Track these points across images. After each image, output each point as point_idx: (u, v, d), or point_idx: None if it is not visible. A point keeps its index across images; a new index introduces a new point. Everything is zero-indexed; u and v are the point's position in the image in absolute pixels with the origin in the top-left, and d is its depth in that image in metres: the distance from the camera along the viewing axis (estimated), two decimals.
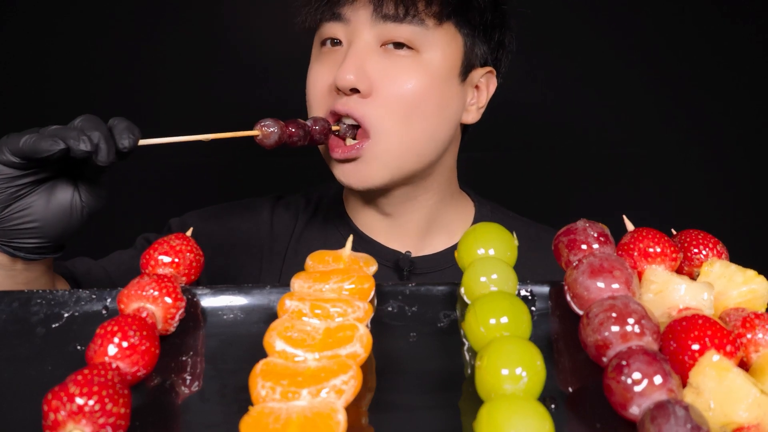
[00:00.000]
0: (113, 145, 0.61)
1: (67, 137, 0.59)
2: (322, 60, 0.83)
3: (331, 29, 0.82)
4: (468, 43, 0.83)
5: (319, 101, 0.82)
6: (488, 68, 0.87)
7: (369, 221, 0.90)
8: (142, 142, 0.64)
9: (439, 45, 0.80)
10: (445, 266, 0.88)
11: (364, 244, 0.89)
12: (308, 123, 0.78)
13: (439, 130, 0.83)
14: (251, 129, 0.74)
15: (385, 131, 0.79)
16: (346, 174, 0.81)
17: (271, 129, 0.75)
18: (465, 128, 0.90)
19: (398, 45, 0.79)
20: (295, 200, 0.96)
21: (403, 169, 0.81)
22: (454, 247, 0.88)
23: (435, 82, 0.80)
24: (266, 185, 1.05)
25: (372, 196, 0.87)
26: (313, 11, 0.82)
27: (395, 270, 0.88)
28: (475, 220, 0.93)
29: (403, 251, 0.88)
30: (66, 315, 0.53)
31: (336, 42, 0.82)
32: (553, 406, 0.44)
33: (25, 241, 0.65)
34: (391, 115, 0.78)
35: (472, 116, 0.87)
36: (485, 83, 0.88)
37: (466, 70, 0.84)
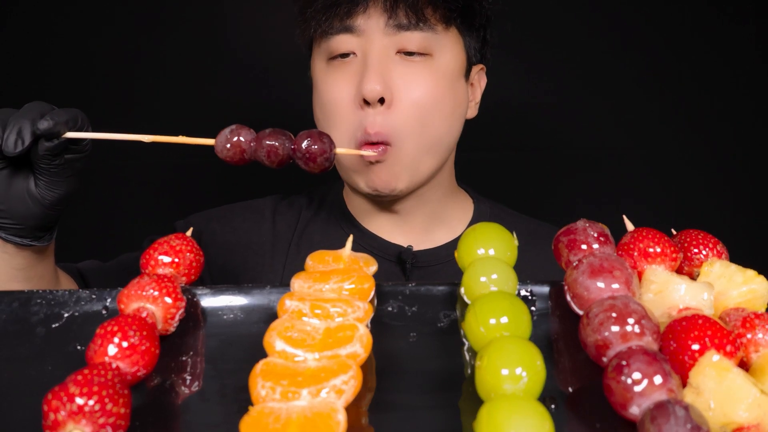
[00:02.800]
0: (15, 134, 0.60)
1: None
2: (334, 74, 0.83)
3: (343, 42, 0.81)
4: (467, 43, 0.86)
5: (342, 116, 0.81)
6: (480, 65, 0.91)
7: (373, 218, 0.92)
8: (80, 134, 0.63)
9: (448, 48, 0.83)
10: (447, 259, 0.89)
11: (367, 239, 0.91)
12: (306, 143, 0.64)
13: (453, 130, 0.86)
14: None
15: (404, 138, 0.80)
16: (372, 179, 0.82)
17: (222, 138, 0.64)
18: None
19: (411, 52, 0.81)
20: (297, 199, 0.98)
21: (423, 171, 0.83)
22: (455, 241, 0.90)
23: (448, 85, 0.83)
24: (270, 186, 1.05)
25: (384, 201, 0.88)
26: (323, 24, 0.81)
27: (398, 263, 0.89)
28: (474, 216, 0.94)
29: (405, 245, 0.90)
30: (66, 315, 0.53)
31: (346, 54, 0.82)
32: (553, 406, 0.44)
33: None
34: (409, 122, 0.80)
35: (472, 112, 0.91)
36: (478, 79, 0.91)
37: (468, 70, 0.87)
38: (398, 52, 0.81)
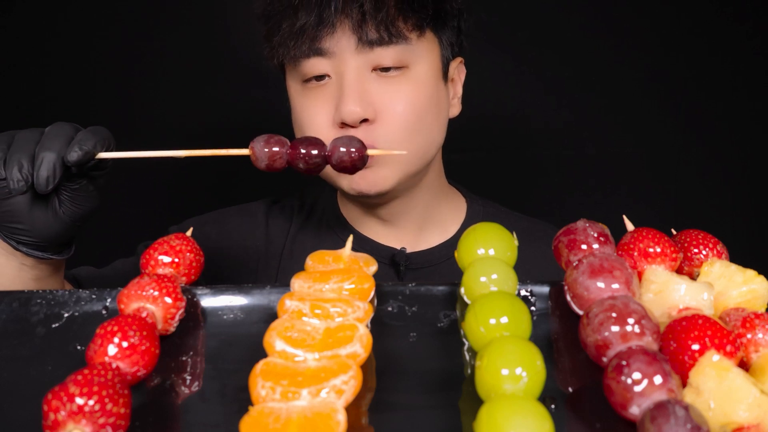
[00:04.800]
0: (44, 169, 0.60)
1: (4, 170, 0.60)
2: (310, 97, 0.81)
3: (315, 66, 0.79)
4: (444, 42, 0.84)
5: (322, 138, 0.80)
6: (459, 59, 0.89)
7: (365, 222, 0.91)
8: (113, 155, 0.63)
9: (423, 55, 0.81)
10: (441, 260, 0.89)
11: (360, 241, 0.90)
12: (339, 148, 0.65)
13: (438, 133, 0.85)
14: (249, 137, 0.65)
15: (393, 146, 0.79)
16: (357, 182, 0.81)
17: (258, 149, 0.64)
18: None
19: (387, 68, 0.79)
20: (289, 203, 0.97)
21: (409, 172, 0.83)
22: (449, 242, 0.91)
23: (428, 93, 0.81)
24: (262, 189, 1.05)
25: (371, 205, 0.88)
26: (291, 49, 0.79)
27: (391, 265, 0.89)
28: (468, 215, 0.94)
29: (399, 248, 0.89)
30: (66, 315, 0.53)
31: (320, 77, 0.80)
32: (553, 406, 0.44)
33: (21, 238, 0.66)
34: (397, 134, 0.79)
35: (456, 109, 0.90)
36: (458, 73, 0.90)
37: (445, 70, 0.85)
38: (374, 69, 0.79)
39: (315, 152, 0.64)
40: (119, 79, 1.37)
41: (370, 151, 0.66)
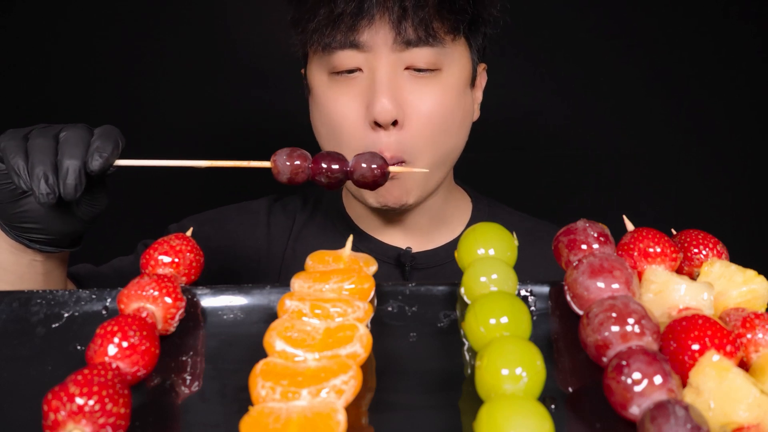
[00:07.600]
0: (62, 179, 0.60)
1: (30, 181, 0.60)
2: (339, 89, 0.79)
3: (349, 59, 0.77)
4: (474, 47, 0.83)
5: (352, 135, 0.78)
6: (483, 65, 0.88)
7: (372, 222, 0.90)
8: (132, 162, 0.63)
9: (456, 59, 0.80)
10: (446, 261, 0.89)
11: (365, 241, 0.89)
12: (361, 163, 0.65)
13: (462, 139, 0.84)
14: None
15: (418, 155, 0.79)
16: (384, 196, 0.81)
17: (280, 163, 0.64)
18: None
19: (420, 68, 0.78)
20: (292, 201, 0.96)
21: (432, 185, 0.83)
22: (454, 242, 0.90)
23: (457, 97, 0.80)
24: (264, 187, 1.05)
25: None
26: (326, 36, 0.76)
27: (397, 266, 0.88)
28: (473, 215, 0.93)
29: (404, 248, 0.89)
30: (66, 315, 0.53)
31: (351, 69, 0.78)
32: (553, 406, 0.44)
33: (35, 236, 0.67)
34: (423, 139, 0.78)
35: (476, 114, 0.89)
36: (480, 79, 0.89)
37: (473, 76, 0.85)
38: (407, 68, 0.78)
39: (336, 167, 0.64)
40: (119, 79, 1.37)
41: (392, 168, 0.66)
